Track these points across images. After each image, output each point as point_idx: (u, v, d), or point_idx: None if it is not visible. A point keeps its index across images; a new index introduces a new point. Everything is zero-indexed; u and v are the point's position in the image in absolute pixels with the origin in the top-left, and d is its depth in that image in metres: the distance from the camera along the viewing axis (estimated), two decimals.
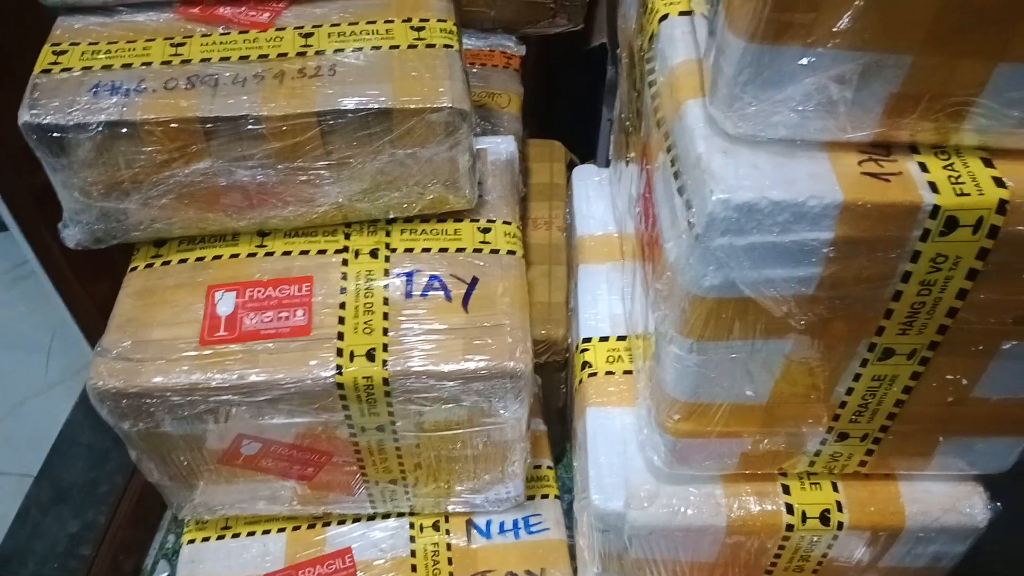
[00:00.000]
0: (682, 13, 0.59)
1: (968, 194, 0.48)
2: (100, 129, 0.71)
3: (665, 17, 0.59)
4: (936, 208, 0.48)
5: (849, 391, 0.59)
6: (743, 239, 0.49)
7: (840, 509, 0.67)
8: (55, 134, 0.71)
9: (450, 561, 0.90)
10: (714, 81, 0.49)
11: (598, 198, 0.89)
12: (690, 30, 0.58)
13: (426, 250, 0.82)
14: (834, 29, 0.43)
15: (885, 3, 0.42)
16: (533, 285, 1.12)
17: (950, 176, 0.49)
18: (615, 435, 0.72)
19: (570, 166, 1.23)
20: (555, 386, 1.13)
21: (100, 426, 0.79)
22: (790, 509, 0.67)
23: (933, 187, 0.48)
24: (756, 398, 0.60)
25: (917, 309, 0.53)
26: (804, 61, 0.45)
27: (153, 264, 0.81)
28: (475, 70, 1.13)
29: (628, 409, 0.74)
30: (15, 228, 0.93)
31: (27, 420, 1.29)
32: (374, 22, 0.78)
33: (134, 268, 0.82)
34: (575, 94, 1.43)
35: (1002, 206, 0.48)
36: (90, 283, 0.99)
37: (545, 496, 0.96)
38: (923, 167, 0.49)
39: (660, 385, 0.62)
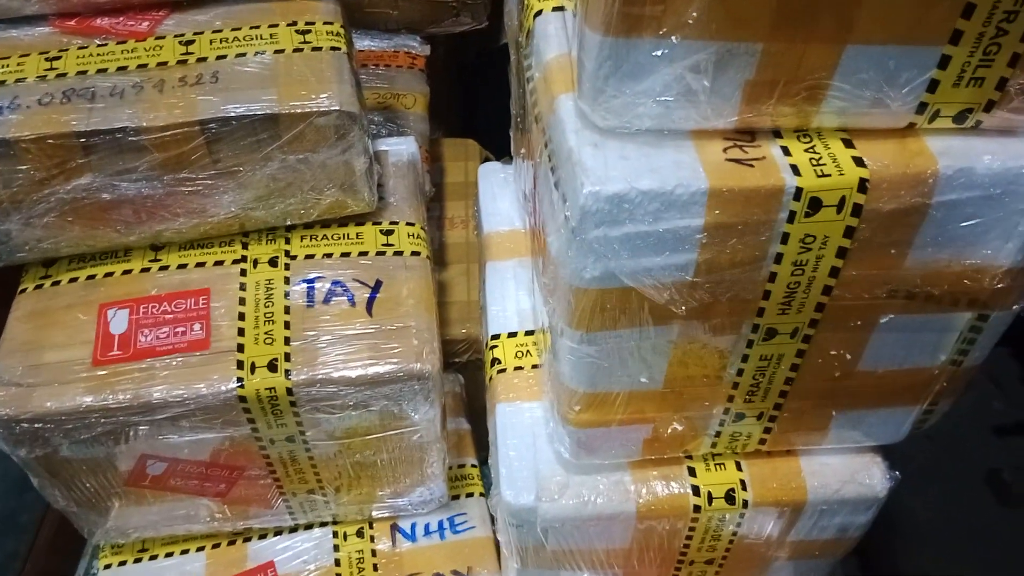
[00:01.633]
0: (555, 9, 0.59)
1: (829, 175, 0.49)
2: None
3: (539, 13, 0.60)
4: (799, 190, 0.49)
5: (739, 372, 0.60)
6: (617, 230, 0.50)
7: (744, 487, 0.68)
8: None
9: (375, 567, 0.89)
10: (579, 76, 0.50)
11: (503, 195, 0.89)
12: (563, 25, 0.58)
13: (327, 255, 0.81)
14: (684, 20, 0.44)
15: None
16: (451, 284, 1.12)
17: (811, 158, 0.50)
18: (525, 429, 0.73)
19: (485, 163, 1.23)
20: (480, 385, 1.13)
21: None
22: (696, 491, 0.69)
23: (795, 170, 0.49)
24: (652, 384, 0.61)
25: (793, 289, 0.54)
26: (658, 53, 0.45)
27: (43, 285, 0.79)
28: (380, 71, 1.12)
29: (537, 403, 0.74)
30: None
31: None
32: (258, 27, 0.77)
33: (23, 290, 0.79)
34: (489, 93, 1.42)
35: (863, 185, 0.49)
36: None
37: (470, 495, 0.96)
38: (785, 151, 0.51)
39: (558, 377, 0.62)
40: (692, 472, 0.70)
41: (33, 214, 0.73)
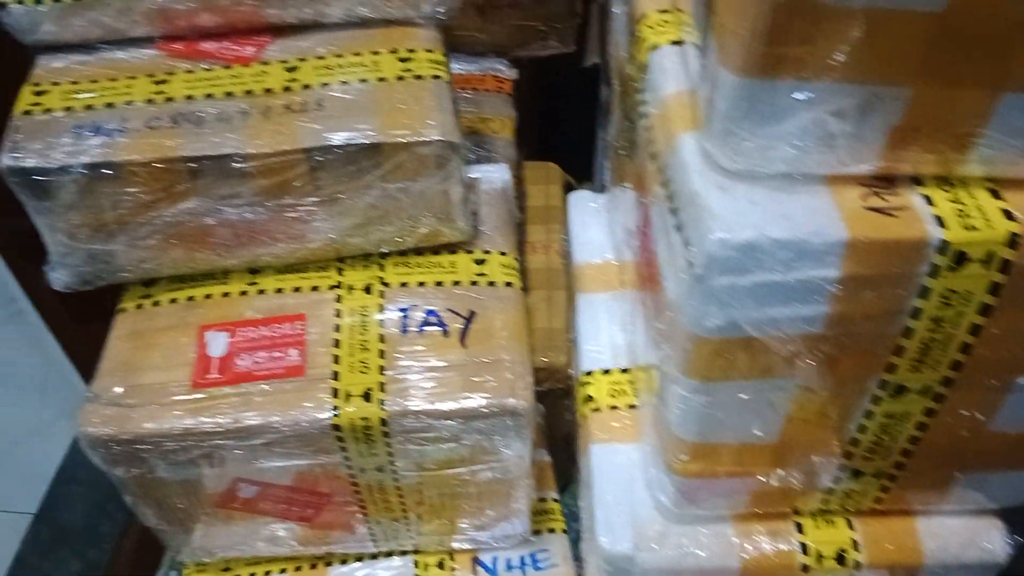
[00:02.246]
0: (673, 43, 0.57)
1: (977, 228, 0.46)
2: (83, 171, 0.69)
3: (655, 47, 0.57)
4: (944, 243, 0.46)
5: (861, 428, 0.57)
6: (745, 279, 0.47)
7: (856, 548, 0.65)
8: (37, 177, 0.69)
9: None
10: (708, 116, 0.47)
11: (595, 224, 0.87)
12: (681, 61, 0.56)
13: (421, 284, 0.80)
14: (829, 62, 0.41)
15: (880, 35, 0.40)
16: (532, 311, 1.10)
17: (957, 210, 0.46)
18: (621, 473, 0.70)
19: (567, 188, 1.21)
20: (559, 413, 1.11)
21: None
22: (805, 549, 0.65)
23: (940, 221, 0.46)
24: (765, 437, 0.58)
25: (929, 345, 0.51)
26: (799, 96, 0.43)
27: (143, 305, 0.80)
28: (467, 95, 1.11)
29: (634, 445, 0.72)
30: (5, 271, 0.91)
31: (24, 459, 1.27)
32: (360, 54, 0.76)
33: (123, 309, 0.80)
34: (570, 115, 1.41)
35: (1013, 240, 0.46)
36: (84, 322, 0.97)
37: (552, 531, 0.94)
38: (928, 200, 0.47)
39: (665, 425, 0.60)
40: (800, 528, 0.66)
41: (137, 236, 0.74)
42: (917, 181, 0.48)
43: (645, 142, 0.58)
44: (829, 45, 0.41)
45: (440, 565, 0.91)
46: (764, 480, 0.62)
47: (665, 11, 0.59)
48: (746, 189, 0.48)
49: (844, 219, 0.46)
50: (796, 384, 0.54)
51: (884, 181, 0.48)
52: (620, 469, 0.71)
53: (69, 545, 1.13)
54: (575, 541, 0.92)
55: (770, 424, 0.57)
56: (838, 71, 0.42)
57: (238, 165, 0.70)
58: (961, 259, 0.46)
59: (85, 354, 1.02)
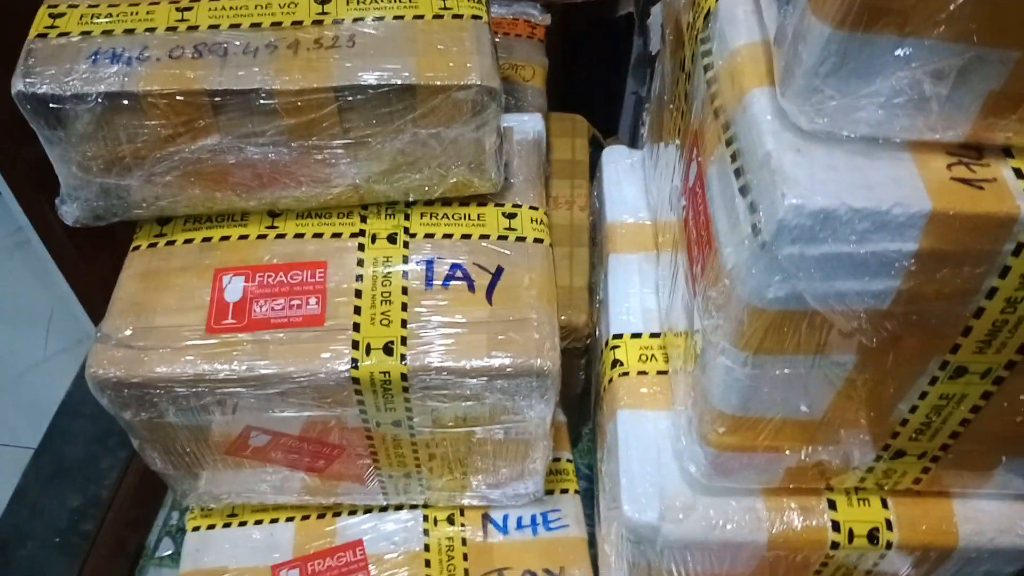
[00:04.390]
0: None
1: None
2: (100, 100, 0.65)
3: None
4: None
5: (913, 409, 0.54)
6: (815, 248, 0.44)
7: (889, 527, 0.63)
8: (51, 105, 0.65)
9: (465, 557, 0.86)
10: (788, 70, 0.44)
11: (630, 182, 0.83)
12: (754, 9, 0.52)
13: (447, 236, 0.77)
14: (937, 18, 0.38)
15: None
16: (555, 267, 1.07)
17: None
18: (648, 441, 0.68)
19: (592, 142, 1.17)
20: (574, 372, 1.09)
21: None
22: (836, 526, 0.63)
23: None
24: (811, 414, 0.55)
25: (998, 327, 0.48)
26: (899, 52, 0.39)
27: (157, 244, 0.76)
28: (498, 39, 1.06)
29: (663, 413, 0.69)
30: (12, 201, 0.87)
31: (27, 393, 1.25)
32: None
33: (136, 247, 0.77)
34: (597, 66, 1.36)
35: None
36: (92, 259, 0.94)
37: (564, 491, 0.92)
38: (1018, 173, 0.44)
39: (705, 396, 0.57)
40: (832, 505, 0.64)
41: (155, 171, 0.70)
42: (1008, 152, 0.45)
43: (706, 97, 0.55)
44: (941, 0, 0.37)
45: (450, 520, 0.89)
46: (802, 457, 0.59)
47: None
48: (824, 152, 0.44)
49: (928, 190, 0.43)
50: (851, 362, 0.51)
51: (972, 150, 0.45)
52: (647, 437, 0.68)
53: (70, 479, 1.11)
54: (585, 499, 0.91)
55: (817, 401, 0.54)
56: (943, 28, 0.38)
57: (264, 102, 0.66)
58: None
59: (91, 288, 0.99)
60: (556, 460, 0.94)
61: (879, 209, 0.43)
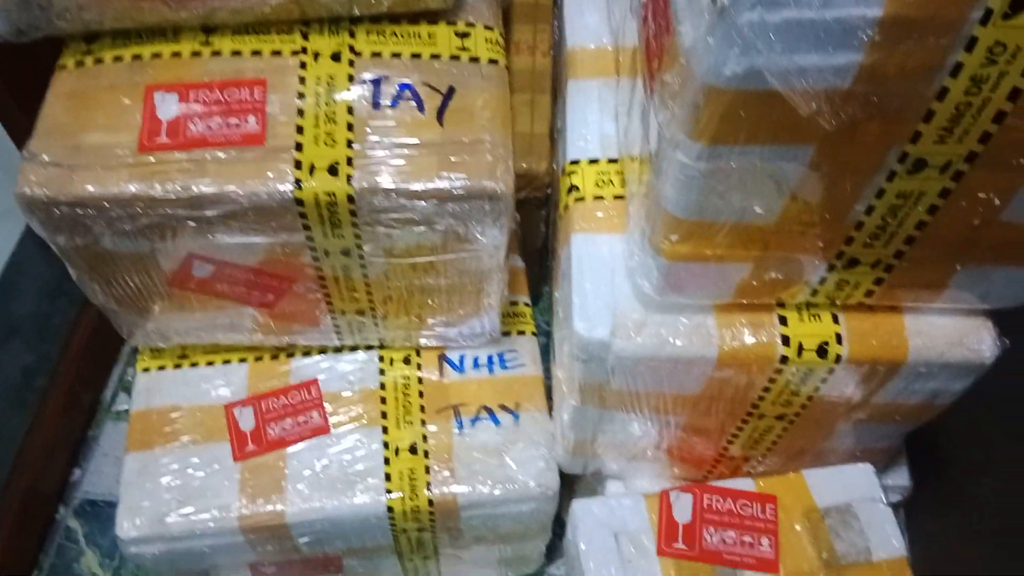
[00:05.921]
0: None
1: None
2: None
3: None
4: None
5: (869, 210, 0.53)
6: (776, 14, 0.41)
7: (840, 341, 0.63)
8: None
9: (421, 394, 0.86)
10: None
11: (592, 8, 0.79)
12: None
13: (396, 55, 0.73)
14: None
15: None
16: (515, 114, 1.02)
17: None
18: (602, 262, 0.67)
19: None
20: (535, 224, 1.06)
21: (51, 259, 0.72)
22: (786, 341, 0.63)
23: None
24: (765, 216, 0.54)
25: (962, 111, 0.46)
26: None
27: (84, 62, 0.71)
28: None
29: (617, 236, 0.68)
30: None
31: None
32: None
33: (63, 67, 0.72)
34: None
35: None
36: (16, 86, 0.88)
37: (522, 332, 0.92)
38: None
39: (659, 202, 0.56)
40: (783, 321, 0.64)
41: None
42: None
43: None
44: None
45: (406, 361, 0.89)
46: (754, 267, 0.58)
47: None
48: None
49: None
50: (809, 153, 0.49)
51: None
52: (601, 259, 0.67)
53: (20, 337, 1.09)
54: (543, 352, 0.90)
55: (772, 201, 0.53)
56: None
57: None
58: (1018, 4, 0.41)
59: (22, 128, 0.93)
60: (513, 303, 0.93)
61: None
